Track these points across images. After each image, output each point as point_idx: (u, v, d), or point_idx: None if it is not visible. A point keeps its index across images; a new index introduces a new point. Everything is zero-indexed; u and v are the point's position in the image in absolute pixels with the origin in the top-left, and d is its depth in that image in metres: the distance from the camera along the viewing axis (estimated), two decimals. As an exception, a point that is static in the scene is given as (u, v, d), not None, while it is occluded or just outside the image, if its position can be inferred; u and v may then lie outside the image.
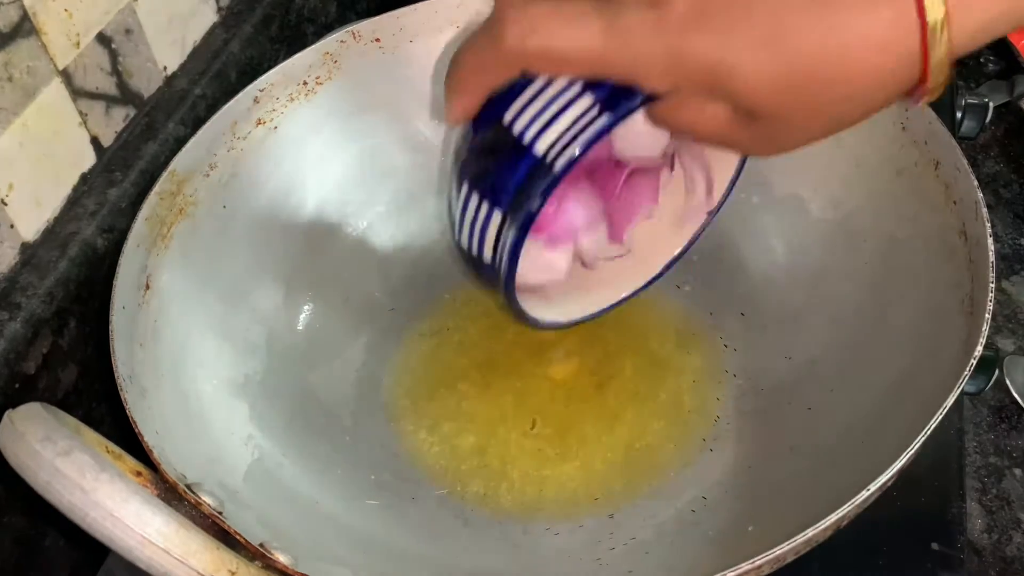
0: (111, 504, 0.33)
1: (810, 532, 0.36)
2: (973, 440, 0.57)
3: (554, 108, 0.37)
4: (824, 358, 0.50)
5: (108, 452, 0.38)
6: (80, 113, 0.49)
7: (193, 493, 0.38)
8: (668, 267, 0.50)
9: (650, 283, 0.50)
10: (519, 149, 0.37)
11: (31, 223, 0.47)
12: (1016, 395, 0.57)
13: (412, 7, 0.58)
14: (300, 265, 0.56)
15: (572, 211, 0.45)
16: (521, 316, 0.45)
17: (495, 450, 0.52)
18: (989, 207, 0.45)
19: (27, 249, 0.47)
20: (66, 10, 0.47)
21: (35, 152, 0.46)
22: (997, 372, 0.58)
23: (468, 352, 0.56)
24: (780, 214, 0.56)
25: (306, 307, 0.56)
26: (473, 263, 0.42)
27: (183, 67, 0.57)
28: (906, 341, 0.46)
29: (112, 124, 0.52)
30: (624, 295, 0.50)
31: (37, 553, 0.47)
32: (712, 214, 0.48)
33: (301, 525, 0.45)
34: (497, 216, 0.39)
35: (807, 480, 0.45)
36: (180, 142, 0.52)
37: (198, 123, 0.53)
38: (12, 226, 0.46)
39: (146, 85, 0.54)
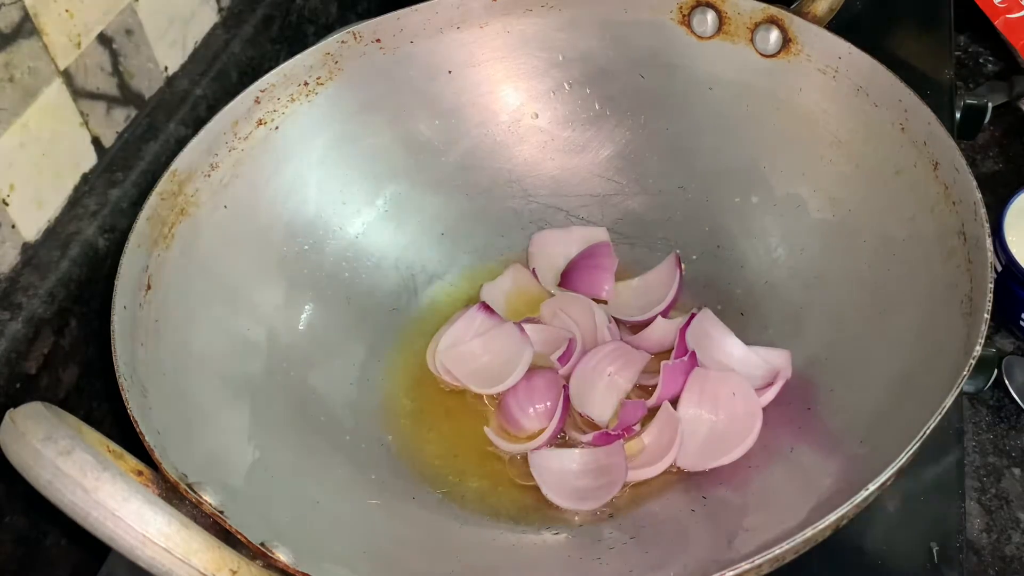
0: (112, 503, 0.33)
1: (810, 532, 0.36)
2: (972, 440, 0.57)
3: None
4: (824, 358, 0.50)
5: (109, 451, 0.38)
6: (81, 113, 0.49)
7: (194, 492, 0.38)
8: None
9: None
10: None
11: (32, 223, 0.47)
12: (1015, 395, 0.58)
13: (412, 8, 0.58)
14: (300, 265, 0.57)
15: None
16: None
17: (495, 449, 0.52)
18: (988, 207, 0.45)
19: (28, 249, 0.47)
20: (67, 11, 0.47)
21: (36, 152, 0.46)
22: (996, 372, 0.58)
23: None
24: (780, 214, 0.56)
25: (306, 307, 0.56)
26: None
27: (184, 67, 0.57)
28: (905, 341, 0.46)
29: (113, 124, 0.52)
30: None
31: (38, 552, 0.47)
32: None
33: (301, 524, 0.45)
34: None
35: (807, 480, 0.45)
36: (181, 142, 0.52)
37: (199, 123, 0.53)
38: (13, 226, 0.46)
39: (147, 85, 0.54)
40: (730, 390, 0.50)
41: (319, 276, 0.57)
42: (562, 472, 0.49)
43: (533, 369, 0.53)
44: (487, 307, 0.56)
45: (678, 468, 0.49)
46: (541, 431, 0.51)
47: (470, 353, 0.55)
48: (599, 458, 0.49)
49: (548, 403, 0.52)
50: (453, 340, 0.55)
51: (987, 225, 0.44)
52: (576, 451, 0.50)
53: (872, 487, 0.37)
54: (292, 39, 0.66)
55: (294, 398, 0.52)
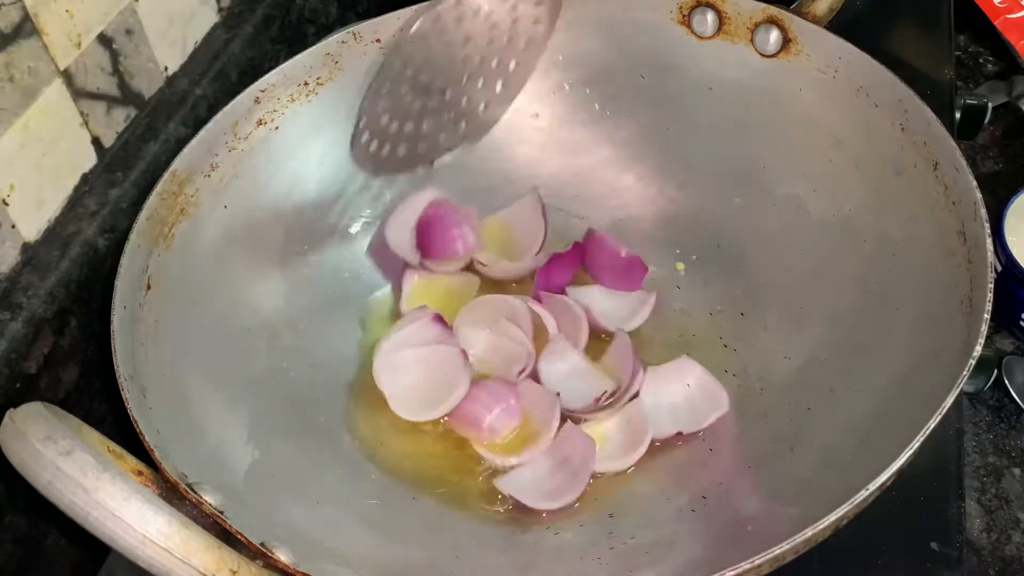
0: (112, 503, 0.33)
1: (810, 532, 0.36)
2: (972, 440, 0.57)
3: None
4: (824, 358, 0.50)
5: (109, 451, 0.38)
6: (81, 113, 0.49)
7: (194, 492, 0.38)
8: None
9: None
10: None
11: (32, 223, 0.47)
12: (1015, 395, 0.58)
13: (412, 7, 0.58)
14: (300, 265, 0.57)
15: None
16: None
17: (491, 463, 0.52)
18: (988, 207, 0.45)
19: (28, 249, 0.47)
20: (67, 11, 0.47)
21: (36, 152, 0.46)
22: (996, 372, 0.58)
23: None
24: (780, 214, 0.56)
25: (306, 307, 0.56)
26: None
27: (184, 67, 0.57)
28: (905, 341, 0.46)
29: (113, 124, 0.52)
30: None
31: (38, 552, 0.47)
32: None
33: (301, 524, 0.45)
34: None
35: (807, 480, 0.45)
36: (181, 142, 0.52)
37: (199, 123, 0.53)
38: (14, 226, 0.46)
39: (147, 85, 0.54)
40: (684, 382, 0.51)
41: (319, 276, 0.57)
42: (533, 479, 0.49)
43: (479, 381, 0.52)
44: (441, 320, 0.54)
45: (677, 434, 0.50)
46: (514, 431, 0.51)
47: (403, 364, 0.53)
48: (562, 450, 0.49)
49: (512, 401, 0.51)
50: (395, 345, 0.53)
51: (987, 225, 0.44)
52: (538, 457, 0.50)
53: (872, 487, 0.37)
54: (292, 39, 0.66)
55: (294, 398, 0.52)
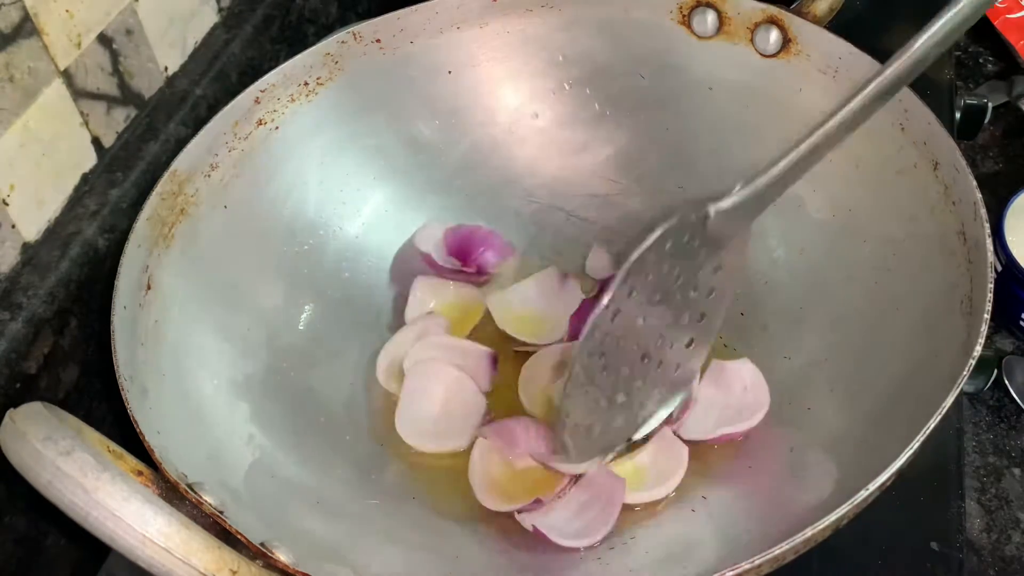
0: (112, 503, 0.33)
1: (809, 532, 0.36)
2: (972, 440, 0.57)
3: None
4: (824, 358, 0.50)
5: (109, 452, 0.38)
6: (81, 113, 0.49)
7: (194, 492, 0.38)
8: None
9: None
10: None
11: (32, 223, 0.47)
12: (1015, 395, 0.58)
13: (413, 8, 0.58)
14: (300, 265, 0.57)
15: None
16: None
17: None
18: (988, 207, 0.45)
19: (28, 249, 0.47)
20: (67, 11, 0.47)
21: (36, 152, 0.46)
22: (996, 372, 0.58)
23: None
24: (780, 214, 0.56)
25: (306, 307, 0.56)
26: None
27: (184, 67, 0.57)
28: (905, 341, 0.46)
29: (113, 124, 0.52)
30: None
31: (38, 553, 0.47)
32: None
33: (302, 524, 0.45)
34: None
35: (807, 480, 0.45)
36: (181, 142, 0.53)
37: (199, 123, 0.53)
38: (14, 226, 0.46)
39: (147, 85, 0.54)
40: (743, 384, 0.50)
41: (319, 276, 0.57)
42: (561, 517, 0.48)
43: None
44: (495, 362, 0.54)
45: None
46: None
47: (431, 374, 0.53)
48: (591, 488, 0.48)
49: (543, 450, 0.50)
50: (433, 347, 0.53)
51: (987, 225, 0.44)
52: (568, 497, 0.48)
53: (872, 487, 0.37)
54: (292, 39, 0.66)
55: (294, 398, 0.52)
